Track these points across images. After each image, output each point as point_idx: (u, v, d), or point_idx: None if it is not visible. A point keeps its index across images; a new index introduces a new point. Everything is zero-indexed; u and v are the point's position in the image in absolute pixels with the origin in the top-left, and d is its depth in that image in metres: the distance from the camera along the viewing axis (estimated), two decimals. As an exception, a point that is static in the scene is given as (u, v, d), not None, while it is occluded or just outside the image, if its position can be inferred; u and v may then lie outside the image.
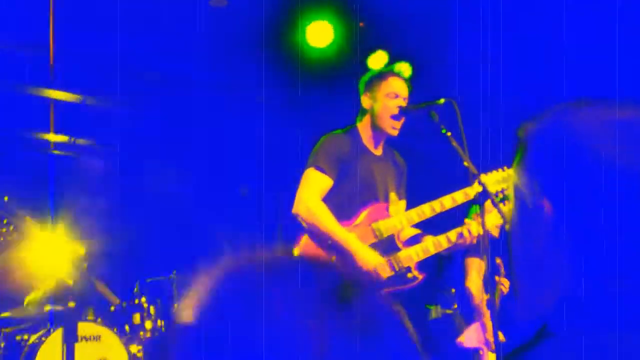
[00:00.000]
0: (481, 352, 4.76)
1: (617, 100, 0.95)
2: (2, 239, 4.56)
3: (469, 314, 4.92)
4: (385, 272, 3.45)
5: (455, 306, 5.14)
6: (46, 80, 5.96)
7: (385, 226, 3.56)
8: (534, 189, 0.95)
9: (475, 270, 5.10)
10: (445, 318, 5.18)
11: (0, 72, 5.78)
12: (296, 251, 3.50)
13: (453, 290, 5.24)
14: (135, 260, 6.70)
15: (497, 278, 4.95)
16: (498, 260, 4.73)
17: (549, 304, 0.92)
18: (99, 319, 5.29)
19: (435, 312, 5.26)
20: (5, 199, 4.56)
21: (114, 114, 6.84)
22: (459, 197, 3.59)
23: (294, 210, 3.52)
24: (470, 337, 4.78)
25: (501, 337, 4.80)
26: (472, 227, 3.56)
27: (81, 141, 7.30)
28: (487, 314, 4.83)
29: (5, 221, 4.55)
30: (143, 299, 5.62)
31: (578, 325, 0.86)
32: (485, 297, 4.93)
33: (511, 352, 0.87)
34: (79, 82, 6.29)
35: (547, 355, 0.85)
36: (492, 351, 4.77)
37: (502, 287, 4.95)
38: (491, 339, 4.76)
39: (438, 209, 3.58)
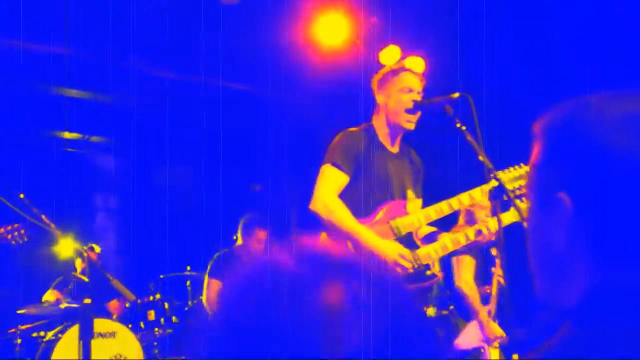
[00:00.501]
0: (482, 350, 4.72)
1: (629, 93, 0.94)
2: (14, 242, 4.59)
3: (466, 313, 4.89)
4: (407, 262, 3.43)
5: (452, 307, 5.11)
6: (60, 78, 5.99)
7: (403, 224, 3.54)
8: (552, 183, 0.94)
9: (465, 269, 5.09)
10: (443, 319, 5.16)
11: (14, 71, 5.81)
12: None
13: (448, 292, 5.21)
14: (150, 257, 6.73)
15: (493, 269, 4.90)
16: (494, 252, 4.67)
17: (571, 299, 0.91)
18: (114, 316, 5.32)
19: (431, 313, 5.23)
20: (21, 196, 4.59)
21: (127, 112, 6.87)
22: (477, 194, 3.57)
23: (311, 206, 3.51)
24: (466, 338, 4.75)
25: (500, 331, 4.78)
26: (490, 225, 3.54)
27: (95, 138, 7.34)
28: (483, 311, 4.80)
29: (17, 225, 4.58)
30: (157, 296, 5.65)
31: (600, 320, 0.85)
32: (493, 291, 4.89)
33: (534, 349, 0.86)
34: (92, 80, 6.32)
35: (570, 352, 0.84)
36: (495, 347, 4.75)
37: (499, 278, 4.89)
38: (491, 336, 4.74)
39: (456, 206, 3.55)
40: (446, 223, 3.73)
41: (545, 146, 0.97)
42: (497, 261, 4.89)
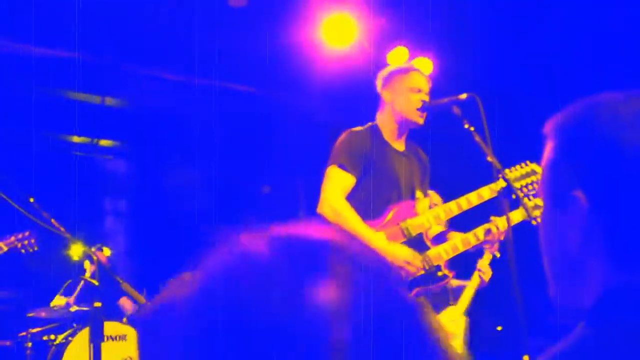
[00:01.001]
0: None
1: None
2: (23, 251, 4.61)
3: None
4: (418, 265, 3.42)
5: None
6: (67, 81, 6.01)
7: (413, 225, 3.52)
8: (566, 182, 0.94)
9: None
10: None
11: (21, 74, 5.83)
12: None
13: None
14: (159, 260, 6.74)
15: (479, 262, 4.79)
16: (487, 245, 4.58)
17: (586, 301, 0.91)
18: (125, 319, 5.33)
19: None
20: (31, 200, 4.61)
21: (135, 115, 6.88)
22: (485, 193, 3.56)
23: (319, 210, 3.49)
24: None
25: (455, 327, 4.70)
26: (499, 223, 3.53)
27: (103, 142, 7.36)
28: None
29: (27, 233, 4.60)
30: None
31: (616, 322, 0.84)
32: (469, 287, 4.79)
33: (547, 351, 0.86)
34: (100, 84, 6.33)
35: (584, 354, 0.83)
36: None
37: (481, 274, 4.79)
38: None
39: (465, 206, 3.54)
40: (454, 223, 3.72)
41: (559, 145, 0.97)
42: (486, 254, 4.77)
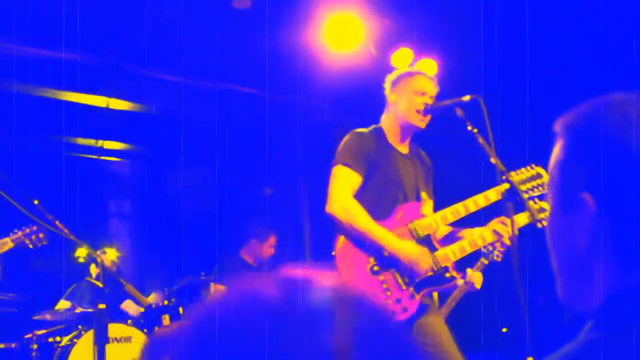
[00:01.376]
0: None
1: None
2: (31, 246, 4.61)
3: None
4: (429, 262, 3.43)
5: None
6: (73, 83, 6.02)
7: (421, 226, 3.52)
8: (575, 182, 0.93)
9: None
10: None
11: (27, 75, 5.85)
12: (335, 254, 3.50)
13: None
14: (164, 262, 6.75)
15: (467, 271, 4.70)
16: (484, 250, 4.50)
17: (592, 303, 0.91)
18: (129, 321, 5.34)
19: None
20: (35, 202, 4.62)
21: (140, 117, 6.89)
22: (492, 195, 3.56)
23: (328, 209, 3.48)
24: None
25: None
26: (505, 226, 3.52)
27: (108, 144, 7.37)
28: None
29: (35, 227, 4.59)
30: (172, 300, 5.65)
31: (623, 324, 0.84)
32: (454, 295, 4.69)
33: (555, 353, 0.86)
34: (103, 86, 6.34)
35: (590, 356, 0.84)
36: None
37: (476, 286, 4.67)
38: None
39: (471, 208, 3.54)
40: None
41: (568, 144, 0.96)
42: (481, 260, 4.66)
